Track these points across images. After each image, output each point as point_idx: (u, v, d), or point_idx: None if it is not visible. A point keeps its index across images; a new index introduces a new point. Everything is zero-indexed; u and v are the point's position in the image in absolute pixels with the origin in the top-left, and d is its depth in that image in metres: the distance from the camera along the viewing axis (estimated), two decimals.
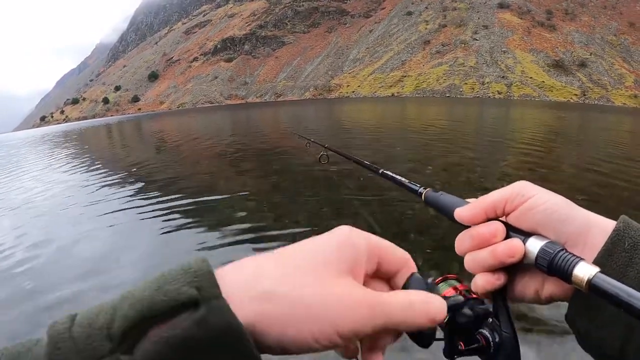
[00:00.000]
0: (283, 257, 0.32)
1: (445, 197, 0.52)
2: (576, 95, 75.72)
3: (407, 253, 0.38)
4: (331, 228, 3.38)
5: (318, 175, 6.93)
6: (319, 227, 4.27)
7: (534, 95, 76.24)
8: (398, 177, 0.76)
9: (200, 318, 0.26)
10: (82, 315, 0.27)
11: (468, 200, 0.49)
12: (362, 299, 0.30)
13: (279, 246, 2.88)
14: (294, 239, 3.48)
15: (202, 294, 0.27)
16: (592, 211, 0.43)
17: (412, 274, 0.37)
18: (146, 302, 0.27)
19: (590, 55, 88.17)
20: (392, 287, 0.37)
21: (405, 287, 0.36)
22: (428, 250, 3.75)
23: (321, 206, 5.38)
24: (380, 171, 0.92)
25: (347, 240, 0.34)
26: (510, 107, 38.38)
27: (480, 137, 12.83)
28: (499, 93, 79.43)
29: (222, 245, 4.09)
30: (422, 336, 0.36)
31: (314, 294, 0.30)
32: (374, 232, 3.18)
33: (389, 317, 0.31)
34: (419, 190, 0.60)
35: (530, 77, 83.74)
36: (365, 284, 0.33)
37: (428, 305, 0.32)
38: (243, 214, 5.17)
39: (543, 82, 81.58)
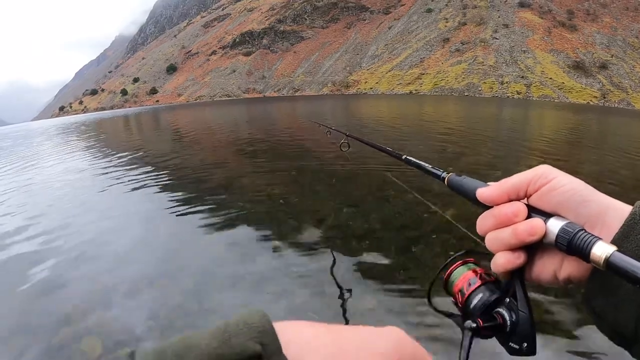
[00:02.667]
0: (340, 336, 0.35)
1: (467, 181, 0.55)
2: (596, 97, 75.33)
3: (429, 354, 0.39)
4: (351, 227, 4.43)
5: (339, 169, 7.03)
6: (341, 227, 4.39)
7: (553, 97, 76.18)
8: (421, 162, 0.77)
9: None
10: (142, 356, 0.28)
11: (489, 183, 0.51)
12: None
13: (294, 242, 3.93)
14: (316, 229, 4.13)
15: (266, 351, 0.29)
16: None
17: None
18: (212, 354, 0.29)
19: (611, 57, 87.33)
20: None
21: None
22: (452, 242, 3.90)
23: (341, 202, 5.25)
24: (404, 157, 0.92)
25: (397, 346, 0.36)
26: (529, 107, 37.90)
27: (500, 138, 12.92)
28: (518, 93, 79.42)
29: (238, 235, 4.20)
30: None
31: None
32: (396, 231, 4.29)
33: None
34: (442, 175, 0.62)
35: (550, 78, 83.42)
36: None
37: None
38: (262, 207, 5.18)
39: (563, 83, 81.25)
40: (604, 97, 75.33)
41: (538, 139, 12.66)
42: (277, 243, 3.98)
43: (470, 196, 0.52)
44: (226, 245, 4.02)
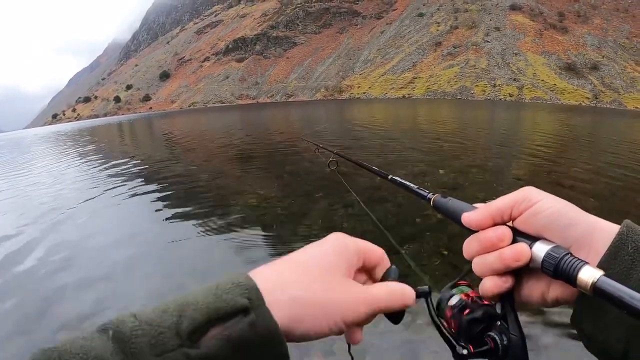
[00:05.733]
0: (296, 265, 0.41)
1: (453, 203, 0.54)
2: (588, 98, 75.21)
3: (382, 250, 0.47)
4: (343, 231, 3.35)
5: (329, 178, 6.83)
6: (333, 229, 4.23)
7: (546, 98, 75.99)
8: (407, 182, 0.75)
9: (251, 322, 0.34)
10: (144, 315, 0.33)
11: (475, 205, 0.50)
12: (360, 296, 0.41)
13: (286, 248, 3.87)
14: (306, 241, 3.86)
15: (252, 304, 0.35)
16: (603, 215, 0.43)
17: (390, 267, 0.47)
18: (210, 307, 0.34)
19: (603, 58, 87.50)
20: (371, 277, 0.47)
21: (385, 277, 0.46)
22: (444, 253, 3.81)
23: (333, 209, 5.31)
24: (390, 177, 0.92)
25: (343, 247, 0.43)
26: (521, 110, 38.40)
27: (492, 140, 12.96)
28: (510, 95, 79.22)
29: (234, 243, 4.26)
30: (394, 316, 0.44)
31: (328, 298, 0.39)
32: (385, 238, 3.65)
33: (377, 305, 0.41)
34: (428, 196, 0.62)
35: (542, 80, 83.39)
36: (353, 277, 0.43)
37: (402, 292, 0.42)
38: (253, 212, 5.30)
39: (555, 85, 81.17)
40: (596, 98, 75.25)
41: (530, 141, 12.56)
42: (272, 244, 4.23)
43: (455, 219, 0.51)
44: (226, 249, 4.18)
